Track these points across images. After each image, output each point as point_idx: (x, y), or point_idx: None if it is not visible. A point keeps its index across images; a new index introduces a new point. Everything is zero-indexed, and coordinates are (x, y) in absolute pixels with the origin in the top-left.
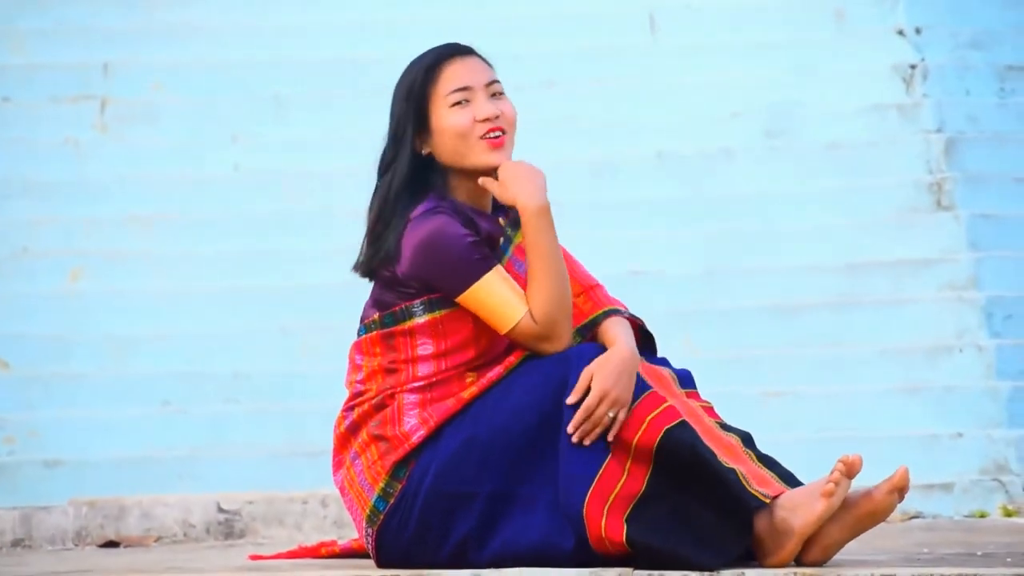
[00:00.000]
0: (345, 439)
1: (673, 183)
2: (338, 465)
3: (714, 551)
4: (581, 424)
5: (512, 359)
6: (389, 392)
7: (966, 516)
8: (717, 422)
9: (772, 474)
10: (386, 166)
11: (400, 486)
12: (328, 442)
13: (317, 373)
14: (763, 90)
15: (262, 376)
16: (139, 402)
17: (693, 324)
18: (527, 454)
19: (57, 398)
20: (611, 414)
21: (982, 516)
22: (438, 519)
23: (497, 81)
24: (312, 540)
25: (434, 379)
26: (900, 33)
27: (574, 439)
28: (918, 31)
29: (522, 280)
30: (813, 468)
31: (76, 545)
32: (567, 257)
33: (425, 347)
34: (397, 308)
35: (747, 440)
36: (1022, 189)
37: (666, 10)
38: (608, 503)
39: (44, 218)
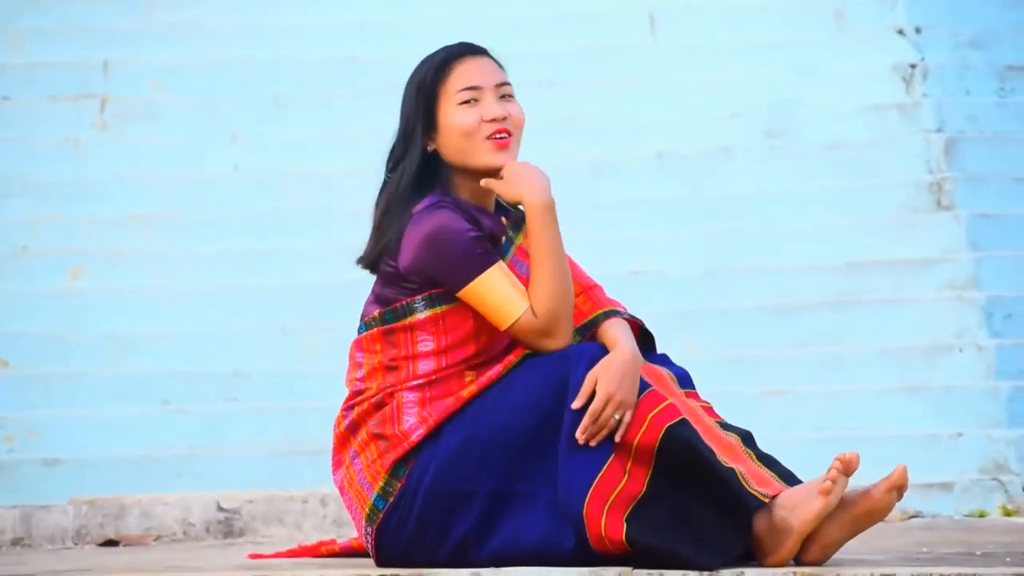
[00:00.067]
0: (344, 438)
1: (673, 183)
2: (337, 464)
3: (714, 551)
4: (588, 427)
5: (512, 358)
6: (389, 390)
7: (965, 516)
8: (717, 421)
9: (772, 473)
10: (395, 162)
11: (399, 485)
12: (328, 441)
13: (317, 372)
14: (763, 90)
15: (262, 375)
16: (139, 401)
17: (693, 324)
18: (527, 453)
19: (57, 397)
20: (617, 416)
21: (981, 516)
22: (437, 518)
23: (508, 83)
24: (312, 539)
25: (434, 377)
26: (900, 33)
27: (580, 442)
28: (918, 31)
29: (524, 281)
30: (813, 467)
31: (76, 544)
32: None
33: (425, 344)
34: (398, 305)
35: (747, 439)
36: (1022, 189)
37: (666, 10)
38: (608, 503)
39: (44, 217)
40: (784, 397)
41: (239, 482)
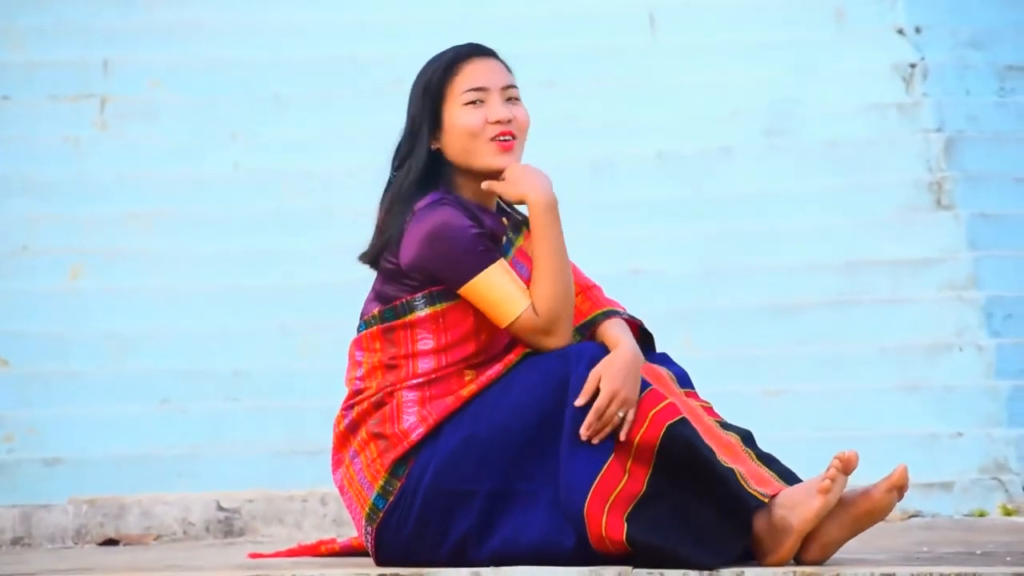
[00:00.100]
0: (344, 437)
1: (673, 182)
2: (337, 464)
3: (714, 551)
4: (592, 424)
5: (512, 357)
6: (388, 389)
7: (966, 515)
8: (717, 421)
9: (771, 472)
10: (401, 160)
11: (399, 484)
12: (328, 440)
13: (317, 371)
14: (763, 89)
15: (262, 374)
16: (139, 400)
17: (693, 323)
18: (527, 452)
19: (57, 396)
20: (620, 414)
21: (981, 515)
22: (437, 517)
23: (515, 86)
24: (312, 538)
25: (434, 375)
26: (900, 32)
27: (584, 439)
28: (918, 30)
29: (524, 282)
30: (813, 467)
31: (76, 543)
32: None
33: (425, 342)
34: (398, 302)
35: (747, 438)
36: (1022, 188)
37: (666, 10)
38: (609, 502)
39: (44, 216)
40: (784, 396)
41: (239, 481)
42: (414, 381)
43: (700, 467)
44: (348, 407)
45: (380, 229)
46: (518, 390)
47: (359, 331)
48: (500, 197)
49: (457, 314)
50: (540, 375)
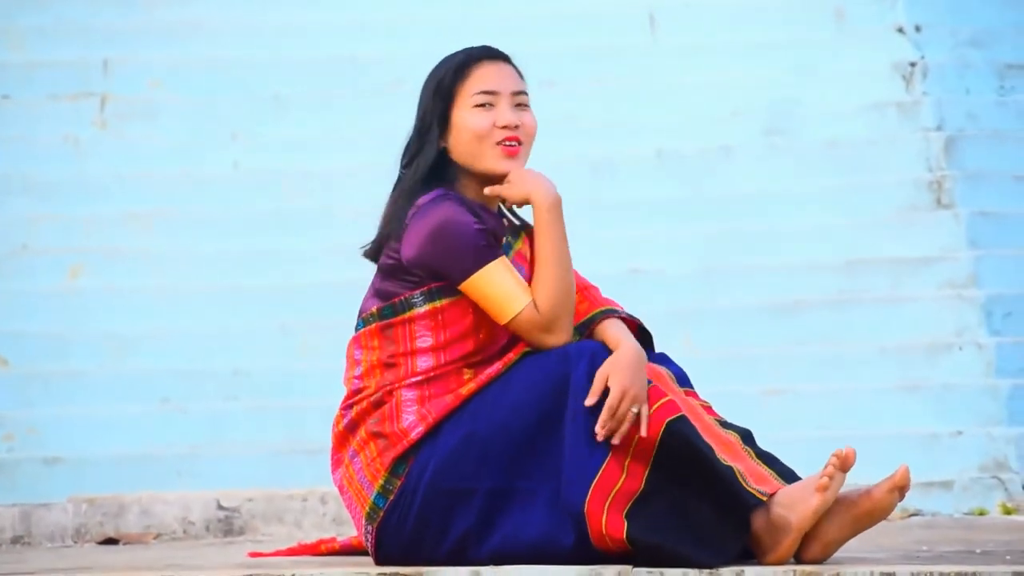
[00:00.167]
0: (343, 437)
1: (673, 182)
2: (336, 464)
3: (714, 550)
4: (607, 423)
5: (511, 355)
6: (387, 388)
7: (965, 514)
8: (716, 420)
9: (771, 471)
10: (410, 158)
11: (399, 483)
12: (327, 439)
13: (317, 371)
14: (763, 89)
15: (262, 374)
16: (139, 399)
17: (693, 322)
18: (527, 450)
19: (56, 395)
20: (635, 409)
21: (981, 514)
22: (437, 516)
23: (525, 93)
24: (311, 537)
25: (432, 374)
26: (900, 31)
27: (600, 438)
28: (918, 29)
29: None
30: (813, 466)
31: (75, 542)
32: None
33: (424, 339)
34: (397, 299)
35: (747, 437)
36: (1022, 187)
37: (666, 9)
38: (609, 500)
39: (44, 216)
40: (784, 396)
41: (239, 480)
42: (413, 380)
43: (699, 464)
44: (347, 407)
45: (383, 223)
46: (518, 388)
47: (357, 329)
48: (502, 201)
49: (456, 311)
50: (540, 373)
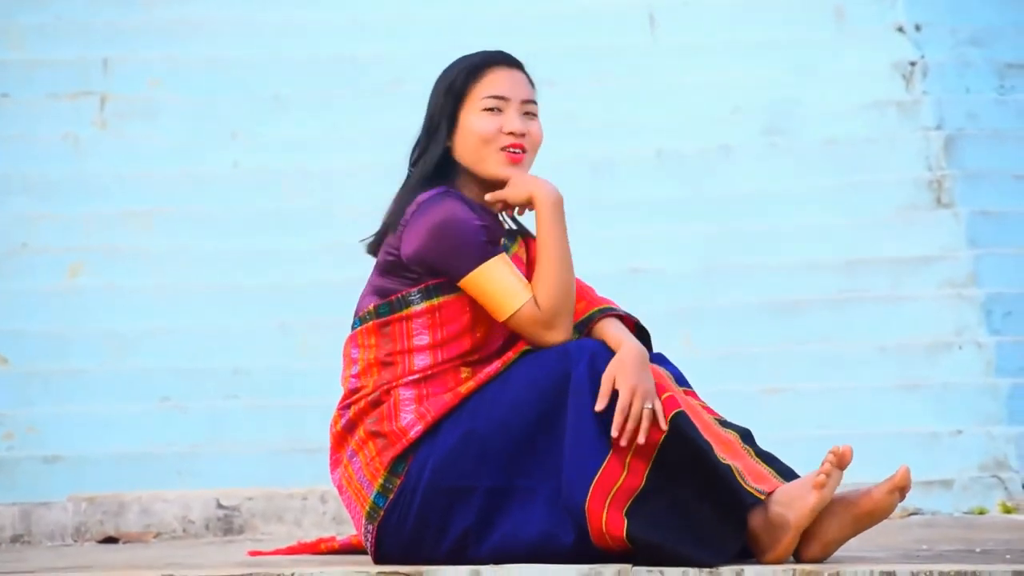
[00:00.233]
0: (342, 437)
1: (673, 181)
2: (335, 464)
3: (714, 550)
4: (621, 424)
5: (510, 354)
6: (385, 387)
7: (965, 513)
8: (716, 418)
9: (770, 470)
10: (418, 157)
11: (399, 482)
12: (327, 438)
13: (316, 370)
14: (763, 88)
15: (261, 372)
16: (138, 398)
17: (693, 321)
18: (526, 448)
19: (56, 394)
20: (648, 405)
21: (981, 513)
22: (437, 514)
23: (534, 102)
24: (311, 536)
25: (430, 372)
26: (900, 30)
27: (623, 443)
28: (918, 28)
29: None
30: (813, 465)
31: (75, 541)
32: None
33: (421, 337)
34: (394, 297)
35: (746, 436)
36: (1021, 186)
37: (666, 9)
38: (609, 497)
39: (43, 214)
40: (784, 395)
41: (239, 479)
42: (410, 378)
43: (698, 462)
44: (344, 406)
45: (385, 218)
46: (517, 386)
47: (354, 327)
48: (505, 203)
49: (453, 309)
50: (540, 371)
